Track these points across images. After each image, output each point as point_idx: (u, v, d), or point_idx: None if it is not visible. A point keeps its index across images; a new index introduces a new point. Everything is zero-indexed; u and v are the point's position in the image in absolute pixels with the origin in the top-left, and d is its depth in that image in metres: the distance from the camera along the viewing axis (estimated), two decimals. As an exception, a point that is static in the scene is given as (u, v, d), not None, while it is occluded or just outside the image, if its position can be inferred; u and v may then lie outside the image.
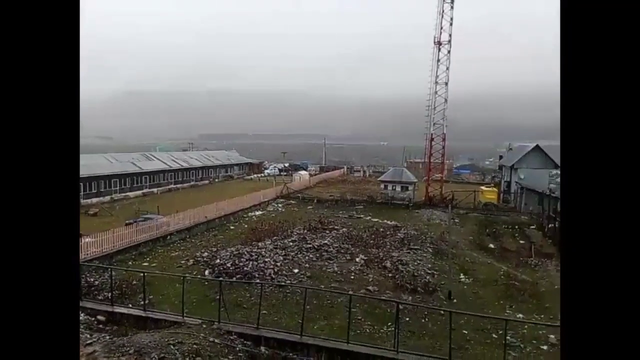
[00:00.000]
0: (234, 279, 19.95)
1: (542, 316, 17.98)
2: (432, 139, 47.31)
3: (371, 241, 28.09)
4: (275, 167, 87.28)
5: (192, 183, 63.36)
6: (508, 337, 13.89)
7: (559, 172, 58.02)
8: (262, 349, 14.02)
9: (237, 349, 13.49)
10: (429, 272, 22.37)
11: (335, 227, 32.01)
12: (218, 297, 15.54)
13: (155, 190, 55.00)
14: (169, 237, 28.28)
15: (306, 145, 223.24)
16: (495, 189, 52.19)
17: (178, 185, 60.05)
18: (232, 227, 33.63)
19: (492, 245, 30.19)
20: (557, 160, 48.92)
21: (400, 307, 16.14)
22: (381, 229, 31.48)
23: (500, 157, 67.16)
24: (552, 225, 34.70)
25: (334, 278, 21.23)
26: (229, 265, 21.66)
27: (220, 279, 18.91)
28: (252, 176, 77.36)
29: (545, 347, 14.77)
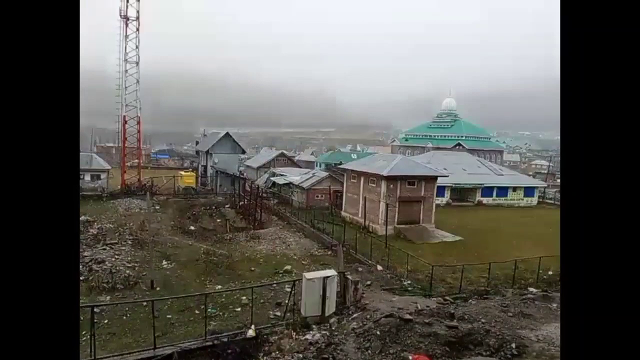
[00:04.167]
0: None
1: (236, 283, 20.84)
2: (125, 122, 43.94)
3: (54, 243, 23.68)
4: None
5: None
6: (209, 310, 15.39)
7: (246, 155, 68.94)
8: None
9: None
10: (129, 265, 21.34)
11: None
12: None
13: None
14: None
15: None
16: (193, 174, 54.93)
17: None
18: None
19: (192, 227, 31.93)
20: (243, 146, 57.94)
21: (97, 310, 14.72)
22: (67, 227, 26.93)
23: (197, 142, 70.94)
24: (242, 202, 40.41)
25: None
26: None
27: None
28: None
29: (239, 309, 17.12)
